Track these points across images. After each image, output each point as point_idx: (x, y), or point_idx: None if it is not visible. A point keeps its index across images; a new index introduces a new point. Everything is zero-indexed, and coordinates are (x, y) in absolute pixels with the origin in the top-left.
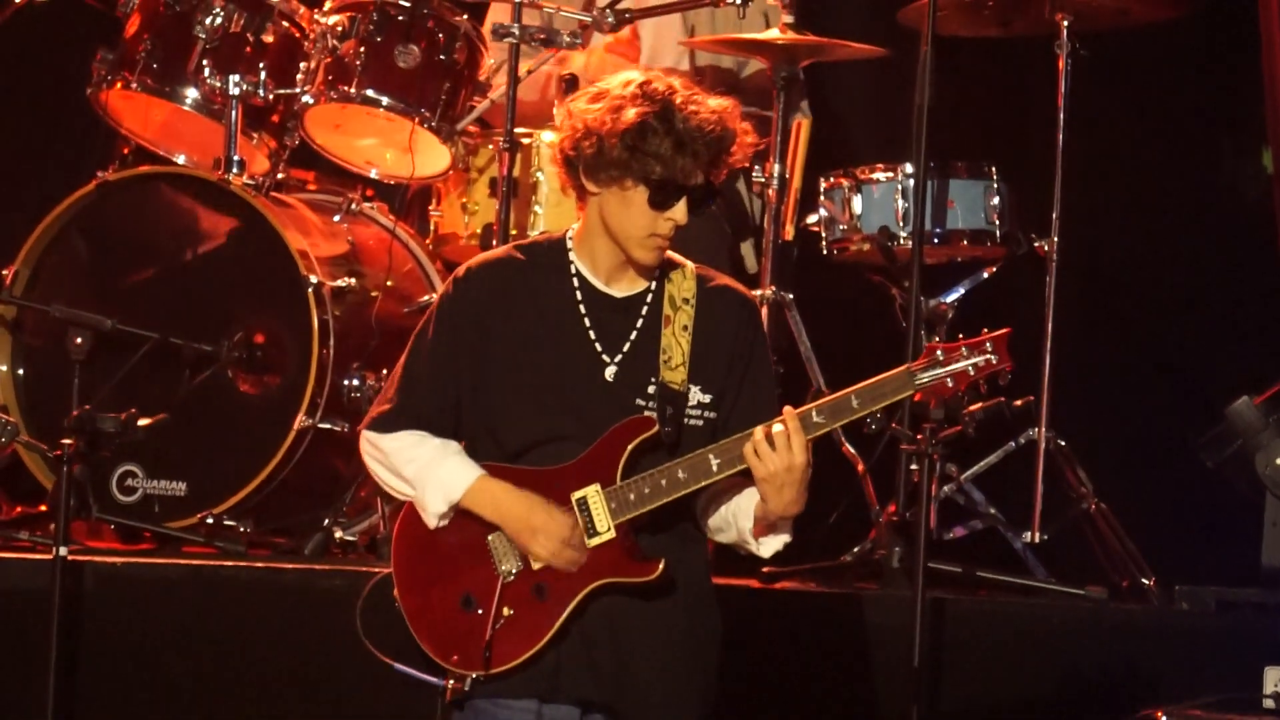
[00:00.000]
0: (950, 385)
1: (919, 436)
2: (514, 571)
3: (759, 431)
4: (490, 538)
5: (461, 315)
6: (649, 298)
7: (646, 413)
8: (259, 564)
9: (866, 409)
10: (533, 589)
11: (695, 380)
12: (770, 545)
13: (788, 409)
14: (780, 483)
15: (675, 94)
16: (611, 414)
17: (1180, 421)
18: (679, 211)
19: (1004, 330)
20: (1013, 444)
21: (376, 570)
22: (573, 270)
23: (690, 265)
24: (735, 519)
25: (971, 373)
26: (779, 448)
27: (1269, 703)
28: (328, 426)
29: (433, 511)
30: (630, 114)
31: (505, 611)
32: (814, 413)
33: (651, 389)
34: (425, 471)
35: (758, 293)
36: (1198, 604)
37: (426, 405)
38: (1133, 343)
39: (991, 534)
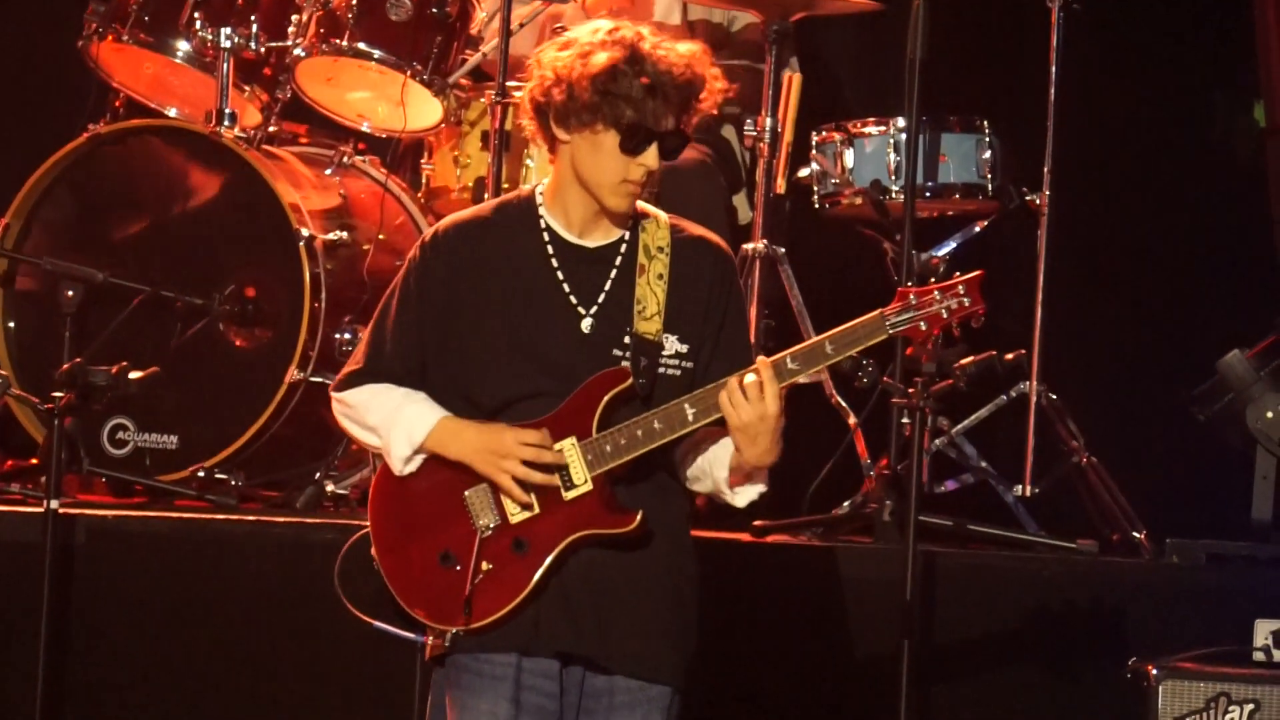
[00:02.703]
0: (924, 329)
1: (910, 390)
2: (491, 526)
3: (733, 380)
4: (467, 493)
5: (428, 280)
6: (623, 248)
7: (622, 364)
8: (250, 517)
9: (840, 354)
10: (511, 543)
11: (671, 330)
12: (746, 495)
13: (761, 358)
14: (754, 432)
15: (643, 40)
16: (588, 366)
17: (1171, 375)
18: (650, 157)
19: (976, 273)
20: (1004, 398)
21: (367, 525)
22: (543, 225)
23: (664, 216)
24: (711, 468)
25: (945, 315)
26: (752, 397)
27: (1259, 655)
28: (319, 380)
29: (397, 455)
30: (601, 58)
31: (484, 566)
32: (788, 359)
33: (626, 339)
34: (389, 417)
35: (749, 246)
36: (1188, 557)
37: (392, 367)
38: (1125, 296)
39: (983, 487)
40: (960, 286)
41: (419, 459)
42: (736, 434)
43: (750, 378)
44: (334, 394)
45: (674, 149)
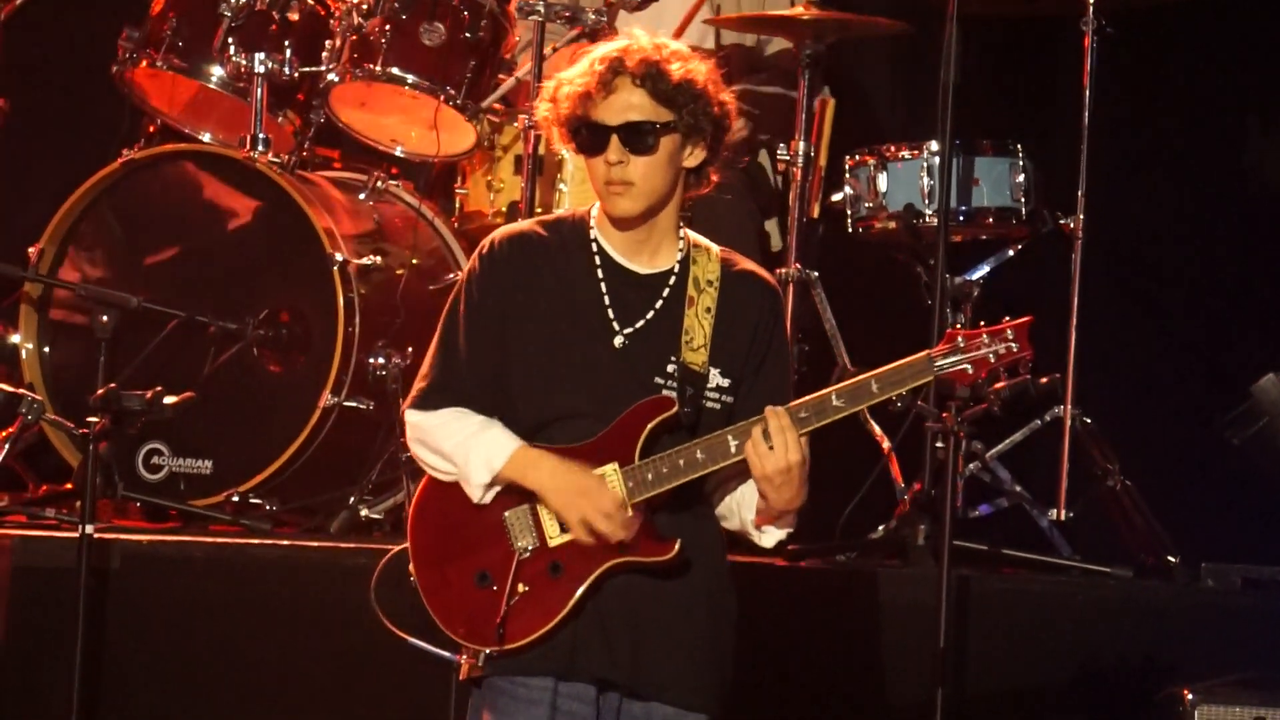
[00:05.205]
0: (970, 373)
1: (945, 415)
2: (530, 548)
3: (756, 431)
4: (506, 514)
5: (491, 286)
6: (672, 279)
7: (666, 392)
8: (284, 542)
9: (885, 394)
10: (548, 566)
11: (715, 363)
12: (772, 536)
13: (769, 409)
14: (778, 482)
15: (604, 48)
16: (629, 391)
17: (1205, 399)
18: (612, 151)
19: (1026, 318)
20: (1038, 422)
21: (402, 547)
22: (595, 245)
23: (715, 248)
24: (739, 508)
25: (992, 360)
26: (776, 448)
27: None
28: (353, 404)
29: (476, 483)
30: (559, 77)
31: (520, 588)
32: (833, 396)
33: (671, 368)
34: (467, 444)
35: (782, 270)
36: (1223, 582)
37: (466, 380)
38: (1158, 320)
39: (1017, 512)
40: (1009, 331)
41: (496, 488)
42: (761, 483)
43: (773, 425)
44: (407, 413)
45: (641, 140)
